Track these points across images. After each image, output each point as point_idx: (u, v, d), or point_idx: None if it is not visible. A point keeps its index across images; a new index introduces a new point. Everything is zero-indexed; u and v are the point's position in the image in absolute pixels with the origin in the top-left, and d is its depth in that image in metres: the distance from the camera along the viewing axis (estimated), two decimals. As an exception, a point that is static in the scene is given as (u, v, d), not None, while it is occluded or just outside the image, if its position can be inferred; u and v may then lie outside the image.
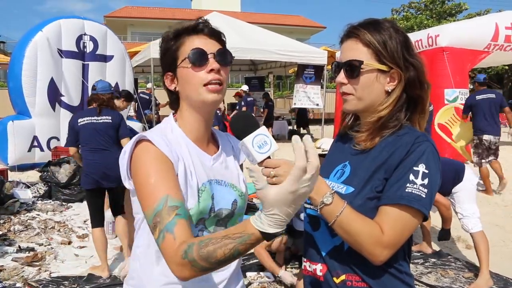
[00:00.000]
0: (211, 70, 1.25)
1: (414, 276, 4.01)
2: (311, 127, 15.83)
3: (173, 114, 1.38)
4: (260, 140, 1.19)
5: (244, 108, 12.99)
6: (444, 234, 4.11)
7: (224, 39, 1.34)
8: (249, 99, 13.71)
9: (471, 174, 4.06)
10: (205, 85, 1.26)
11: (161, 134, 1.27)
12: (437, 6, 29.68)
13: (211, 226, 1.30)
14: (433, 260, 4.52)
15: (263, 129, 1.21)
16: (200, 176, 1.28)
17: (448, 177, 3.98)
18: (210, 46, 1.28)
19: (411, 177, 1.19)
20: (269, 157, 1.21)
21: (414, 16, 29.82)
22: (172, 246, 1.05)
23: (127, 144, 1.24)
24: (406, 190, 1.18)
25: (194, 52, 1.25)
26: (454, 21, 24.81)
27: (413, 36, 10.15)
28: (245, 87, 14.34)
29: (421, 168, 1.20)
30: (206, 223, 1.29)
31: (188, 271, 1.03)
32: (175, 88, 1.32)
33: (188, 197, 1.22)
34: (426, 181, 1.19)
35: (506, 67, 25.77)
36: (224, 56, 1.29)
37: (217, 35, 1.32)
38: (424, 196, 1.18)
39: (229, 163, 1.41)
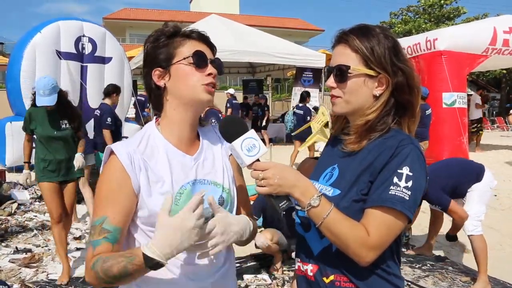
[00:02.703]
0: (209, 74, 1.34)
1: (411, 279, 4.03)
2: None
3: (155, 119, 1.42)
4: (249, 144, 1.23)
5: (229, 110, 13.03)
6: (452, 238, 4.19)
7: (215, 51, 1.42)
8: (234, 101, 13.76)
9: (490, 177, 4.07)
10: (202, 85, 1.33)
11: (133, 143, 1.33)
12: (436, 10, 29.76)
13: None
14: (430, 263, 4.53)
15: (251, 133, 1.25)
16: (178, 180, 1.32)
17: (470, 177, 4.02)
18: (208, 53, 1.36)
19: (395, 179, 1.22)
20: (258, 160, 1.23)
21: (412, 20, 29.92)
22: (89, 257, 1.24)
23: (104, 154, 1.35)
24: (390, 193, 1.21)
25: (197, 54, 1.32)
26: (452, 25, 24.91)
27: (411, 40, 10.19)
28: (231, 91, 14.37)
29: (405, 170, 1.22)
30: None
31: (94, 280, 1.21)
32: (164, 84, 1.34)
33: (160, 202, 1.24)
34: (410, 184, 1.21)
35: (504, 71, 25.85)
36: (219, 65, 1.38)
37: (212, 46, 1.40)
38: (407, 198, 1.21)
39: (212, 159, 1.43)
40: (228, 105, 13.40)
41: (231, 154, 1.48)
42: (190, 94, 1.33)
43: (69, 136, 4.23)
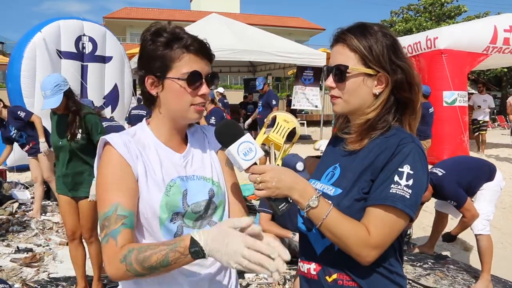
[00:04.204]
0: (202, 95, 1.32)
1: (412, 277, 4.02)
2: (310, 129, 15.86)
3: (146, 119, 1.43)
4: (245, 148, 1.23)
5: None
6: (450, 238, 4.15)
7: (214, 58, 1.39)
8: (225, 101, 13.72)
9: (500, 177, 4.06)
10: (192, 105, 1.32)
11: (126, 134, 1.35)
12: (436, 8, 29.70)
13: (190, 221, 1.35)
14: (431, 262, 4.53)
15: (247, 137, 1.25)
16: (168, 172, 1.33)
17: (484, 174, 4.00)
18: (204, 68, 1.32)
19: (396, 178, 1.22)
20: (255, 163, 1.23)
21: (413, 18, 29.85)
22: (112, 249, 1.17)
23: (98, 147, 1.34)
24: (391, 191, 1.21)
25: (194, 75, 1.29)
26: (453, 23, 24.86)
27: (412, 39, 10.18)
28: (221, 89, 14.33)
29: (406, 169, 1.22)
30: (184, 219, 1.34)
31: (123, 273, 1.15)
32: (157, 93, 1.33)
33: (152, 190, 1.29)
34: (410, 182, 1.21)
35: (505, 70, 25.81)
36: (213, 79, 1.35)
37: (211, 57, 1.36)
38: (408, 196, 1.20)
39: (201, 156, 1.44)
40: (220, 105, 13.39)
41: (218, 149, 1.48)
42: (179, 112, 1.33)
43: (74, 147, 3.50)
